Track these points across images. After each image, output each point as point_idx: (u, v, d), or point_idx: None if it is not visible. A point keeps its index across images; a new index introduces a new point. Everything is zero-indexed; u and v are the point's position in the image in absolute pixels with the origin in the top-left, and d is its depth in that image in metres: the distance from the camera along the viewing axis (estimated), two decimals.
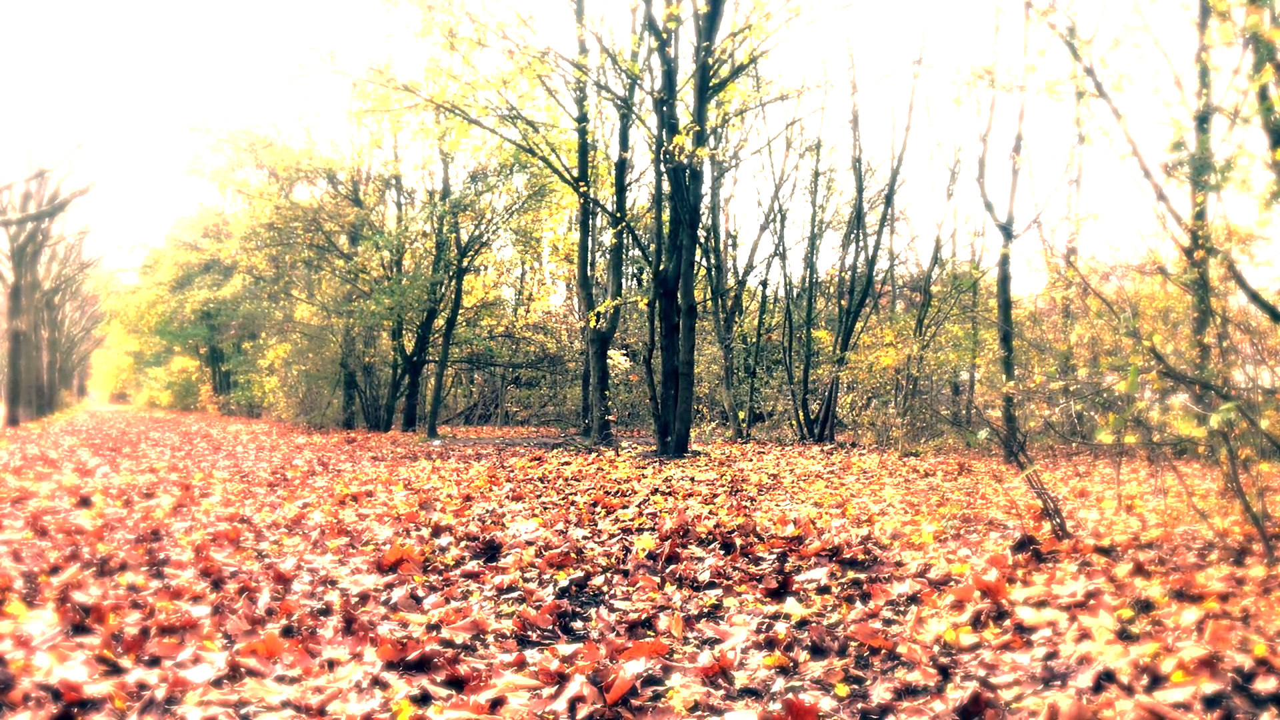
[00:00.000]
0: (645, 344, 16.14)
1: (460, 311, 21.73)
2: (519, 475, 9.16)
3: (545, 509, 6.60)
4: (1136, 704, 2.39)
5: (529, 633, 3.44)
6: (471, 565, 4.60)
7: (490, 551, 4.97)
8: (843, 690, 2.73)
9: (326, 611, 3.66)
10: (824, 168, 19.89)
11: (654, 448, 12.61)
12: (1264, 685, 2.47)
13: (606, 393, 15.96)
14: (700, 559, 4.67)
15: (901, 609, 3.69)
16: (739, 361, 19.52)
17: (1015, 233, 10.69)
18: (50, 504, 6.59)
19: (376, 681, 2.79)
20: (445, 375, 23.77)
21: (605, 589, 4.15)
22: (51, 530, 5.26)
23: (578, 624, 3.59)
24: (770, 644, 3.19)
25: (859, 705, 2.65)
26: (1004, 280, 10.92)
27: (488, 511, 6.49)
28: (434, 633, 3.39)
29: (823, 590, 4.01)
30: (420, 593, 4.05)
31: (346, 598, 3.90)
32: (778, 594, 3.96)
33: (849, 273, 18.07)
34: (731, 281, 20.47)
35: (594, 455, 11.88)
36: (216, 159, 20.49)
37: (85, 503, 6.68)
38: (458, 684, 2.81)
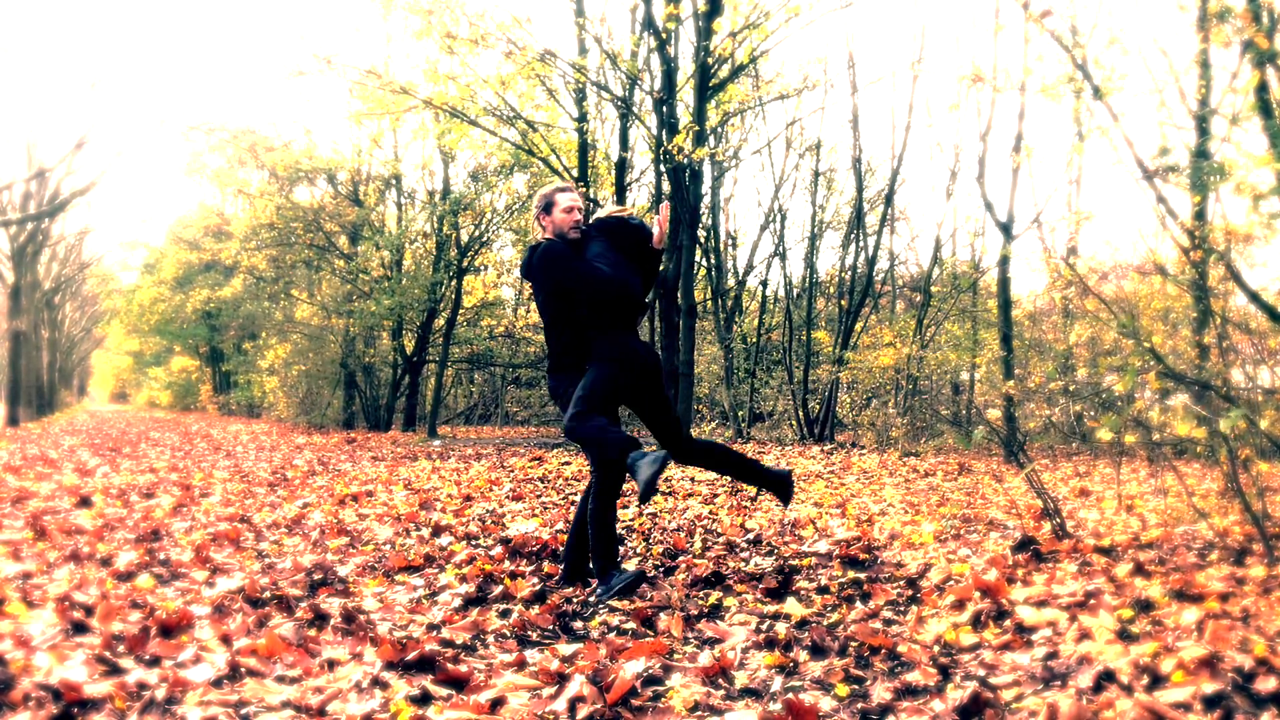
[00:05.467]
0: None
1: (460, 311, 21.72)
2: (519, 475, 9.16)
3: (545, 509, 6.61)
4: (1136, 704, 2.39)
5: (529, 632, 3.44)
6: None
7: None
8: (843, 690, 2.73)
9: (326, 611, 3.66)
10: (824, 168, 19.89)
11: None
12: (1264, 685, 2.48)
13: None
14: (700, 558, 4.67)
15: (901, 609, 3.70)
16: (739, 361, 19.51)
17: (1015, 233, 10.69)
18: (50, 504, 6.59)
19: (376, 681, 2.80)
20: (445, 375, 23.76)
21: None
22: (51, 530, 5.26)
23: (578, 624, 3.59)
24: (770, 644, 3.19)
25: (859, 705, 2.65)
26: (1004, 280, 10.92)
27: (488, 511, 6.49)
28: (434, 633, 3.40)
29: (823, 590, 4.01)
30: (420, 592, 4.06)
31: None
32: (778, 594, 3.97)
33: (849, 273, 18.06)
34: (731, 281, 20.48)
35: None
36: (217, 159, 20.49)
37: (85, 503, 6.68)
38: (458, 684, 2.81)
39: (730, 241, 21.19)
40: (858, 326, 17.28)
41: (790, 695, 2.68)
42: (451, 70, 12.89)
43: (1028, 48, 10.56)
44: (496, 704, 2.63)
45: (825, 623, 3.50)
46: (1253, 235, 4.05)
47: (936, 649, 3.10)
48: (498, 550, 4.87)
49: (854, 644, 3.16)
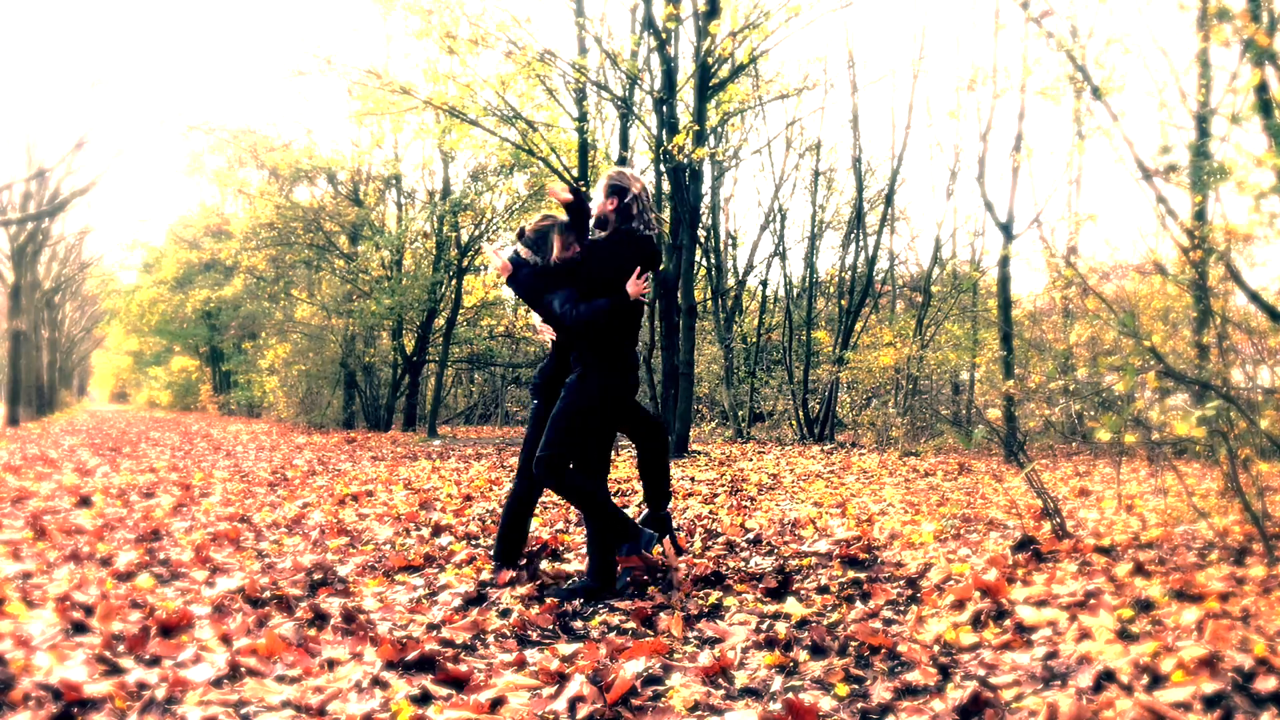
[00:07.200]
0: (645, 344, 16.14)
1: (460, 311, 21.72)
2: None
3: (545, 509, 6.60)
4: (1136, 703, 2.39)
5: (529, 632, 3.44)
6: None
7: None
8: (843, 690, 2.73)
9: (326, 611, 3.66)
10: (824, 167, 19.88)
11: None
12: (1264, 685, 2.48)
13: None
14: (700, 558, 4.67)
15: (901, 608, 3.69)
16: (739, 361, 19.51)
17: (1015, 232, 10.69)
18: (50, 504, 6.59)
19: (376, 681, 2.79)
20: (445, 375, 23.75)
21: None
22: (51, 530, 5.26)
23: (578, 623, 3.59)
24: (770, 643, 3.19)
25: (859, 705, 2.65)
26: (1004, 280, 10.92)
27: (488, 511, 6.49)
28: (434, 632, 3.40)
29: (823, 590, 4.01)
30: (420, 592, 4.05)
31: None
32: (778, 594, 3.96)
33: (849, 273, 18.07)
34: (731, 281, 20.48)
35: None
36: (217, 159, 20.50)
37: (85, 502, 6.68)
38: (458, 684, 2.81)
39: (730, 241, 21.20)
40: (858, 326, 17.29)
41: (790, 695, 2.68)
42: (451, 70, 12.89)
43: (1028, 46, 10.56)
44: (496, 704, 2.63)
45: (825, 622, 3.50)
46: (1253, 235, 4.05)
47: (936, 649, 3.10)
48: None
49: (854, 644, 3.16)
